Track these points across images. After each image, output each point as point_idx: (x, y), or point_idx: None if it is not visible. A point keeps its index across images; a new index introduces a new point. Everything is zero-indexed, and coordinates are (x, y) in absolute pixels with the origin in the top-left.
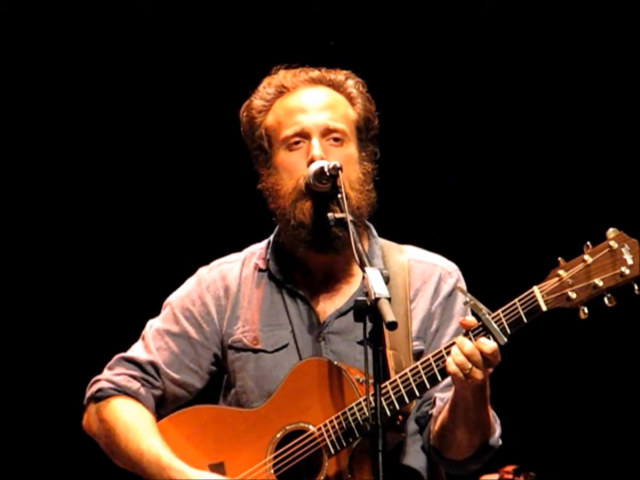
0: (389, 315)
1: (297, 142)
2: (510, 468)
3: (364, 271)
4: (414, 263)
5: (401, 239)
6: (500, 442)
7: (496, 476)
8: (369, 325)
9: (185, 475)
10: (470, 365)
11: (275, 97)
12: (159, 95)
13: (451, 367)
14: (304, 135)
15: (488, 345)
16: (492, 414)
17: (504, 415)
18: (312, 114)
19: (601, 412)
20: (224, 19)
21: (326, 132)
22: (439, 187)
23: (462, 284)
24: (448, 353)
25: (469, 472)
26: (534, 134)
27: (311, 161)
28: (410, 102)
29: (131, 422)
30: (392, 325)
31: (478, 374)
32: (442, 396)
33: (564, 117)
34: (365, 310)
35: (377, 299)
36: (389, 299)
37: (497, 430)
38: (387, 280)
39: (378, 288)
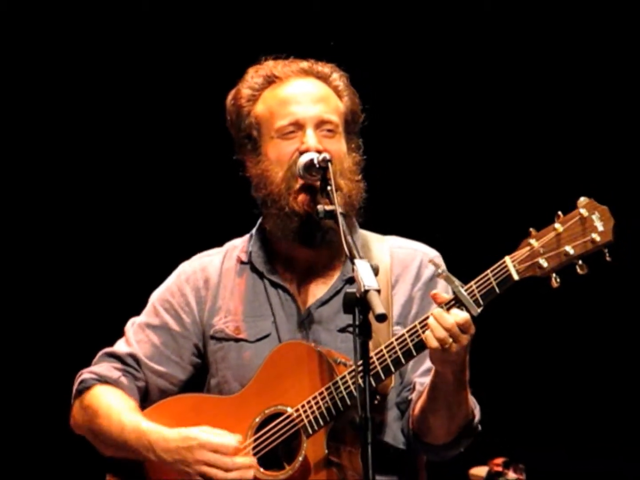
0: (379, 308)
1: (291, 132)
2: (499, 460)
3: (353, 263)
4: (395, 249)
5: (381, 227)
6: (479, 427)
7: (485, 468)
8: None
9: (162, 434)
10: (451, 340)
11: (264, 87)
12: (140, 95)
13: (432, 342)
14: (298, 125)
15: (460, 315)
16: (471, 399)
17: (493, 406)
18: (306, 105)
19: (591, 399)
20: (213, 15)
21: (320, 124)
22: (410, 160)
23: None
24: (423, 327)
25: (448, 458)
26: (506, 105)
27: (306, 150)
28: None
29: (113, 402)
30: (382, 318)
31: (455, 348)
32: (422, 381)
33: (533, 91)
34: (355, 302)
35: (366, 291)
36: (379, 291)
37: (477, 416)
38: (376, 272)
39: (367, 280)
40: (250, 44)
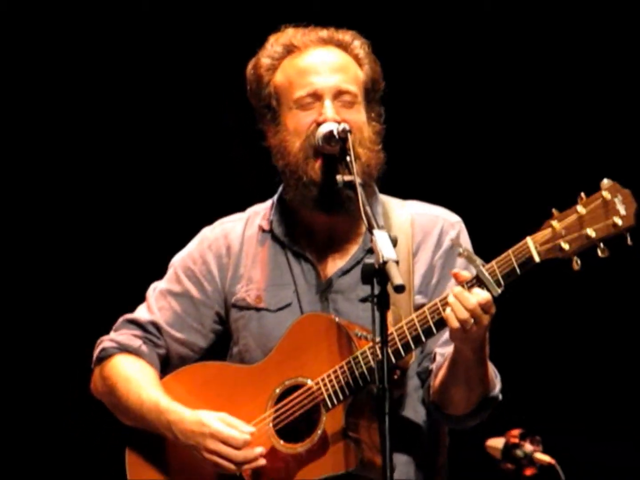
0: (397, 279)
1: (309, 103)
2: (516, 432)
3: (372, 234)
4: (416, 216)
5: (401, 195)
6: (500, 397)
7: (502, 440)
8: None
9: (180, 415)
10: (472, 321)
11: (283, 56)
12: (142, 86)
13: (454, 322)
14: (317, 96)
15: (481, 295)
16: (492, 369)
17: (511, 379)
18: (325, 75)
19: (606, 372)
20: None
21: (338, 94)
22: (434, 140)
23: (465, 236)
24: (444, 305)
25: (468, 427)
26: (530, 86)
27: (323, 122)
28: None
29: (132, 375)
30: (400, 289)
31: (478, 328)
32: (442, 351)
33: (558, 73)
34: (373, 273)
35: (385, 262)
36: (397, 262)
37: (497, 386)
38: (394, 243)
39: (386, 251)
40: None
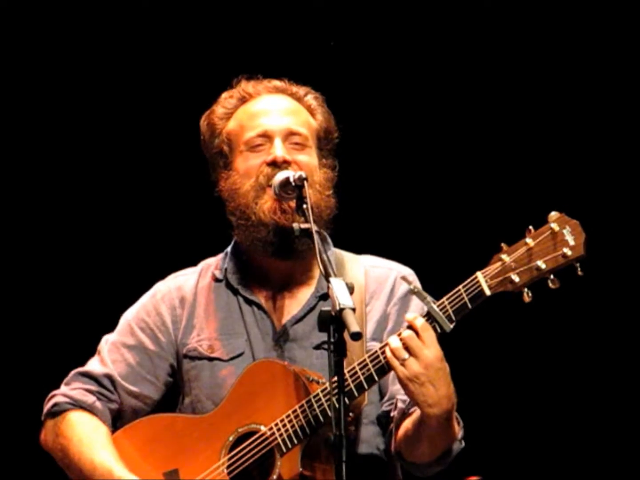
0: (354, 326)
1: (259, 145)
2: (474, 479)
3: (328, 282)
4: (369, 268)
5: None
6: (463, 444)
7: None
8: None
9: None
10: (405, 355)
11: (237, 106)
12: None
13: (387, 353)
14: (267, 136)
15: (418, 318)
16: (455, 416)
17: (470, 426)
18: (275, 117)
19: (565, 410)
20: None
21: (289, 135)
22: (382, 175)
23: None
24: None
25: (430, 474)
26: (474, 121)
27: (273, 161)
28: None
29: (85, 435)
30: (357, 336)
31: (414, 364)
32: (404, 398)
33: (503, 102)
34: (330, 320)
35: (341, 310)
36: (354, 310)
37: (460, 433)
38: (351, 290)
39: (342, 299)
40: (244, 55)
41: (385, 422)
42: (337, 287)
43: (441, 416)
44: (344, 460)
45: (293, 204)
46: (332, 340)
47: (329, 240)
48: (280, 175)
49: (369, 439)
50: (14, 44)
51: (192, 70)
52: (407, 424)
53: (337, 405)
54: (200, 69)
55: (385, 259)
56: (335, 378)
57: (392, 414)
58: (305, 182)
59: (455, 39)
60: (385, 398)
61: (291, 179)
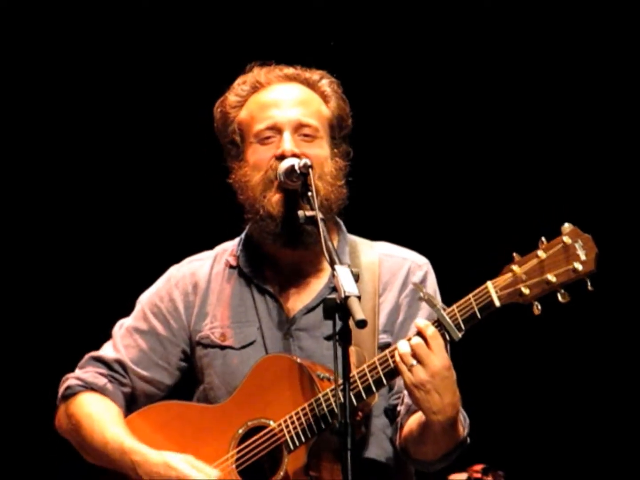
0: (359, 314)
1: (268, 137)
2: (478, 467)
3: (333, 269)
4: (383, 257)
5: (371, 237)
6: (468, 440)
7: (464, 475)
8: (338, 323)
9: (145, 456)
10: (413, 362)
11: (249, 93)
12: (132, 97)
13: (395, 357)
14: (276, 129)
15: (428, 325)
16: (460, 416)
17: (474, 413)
18: (285, 108)
19: (567, 408)
20: (210, 18)
21: (298, 127)
22: (400, 183)
23: (432, 278)
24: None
25: (436, 470)
26: (489, 129)
27: (282, 155)
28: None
29: (96, 414)
30: (362, 324)
31: (420, 372)
32: None
33: (518, 112)
34: (335, 308)
35: (346, 298)
36: (359, 297)
37: (466, 430)
38: (356, 278)
39: (348, 286)
40: (252, 46)
41: (392, 414)
42: (343, 274)
43: (445, 423)
44: (349, 448)
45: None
46: (337, 328)
47: (343, 227)
48: (286, 163)
49: (381, 430)
50: (14, 44)
51: (200, 60)
52: (412, 424)
53: (343, 395)
54: (207, 57)
55: (400, 247)
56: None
57: (398, 408)
58: (310, 170)
59: (473, 30)
60: (393, 391)
61: (296, 167)
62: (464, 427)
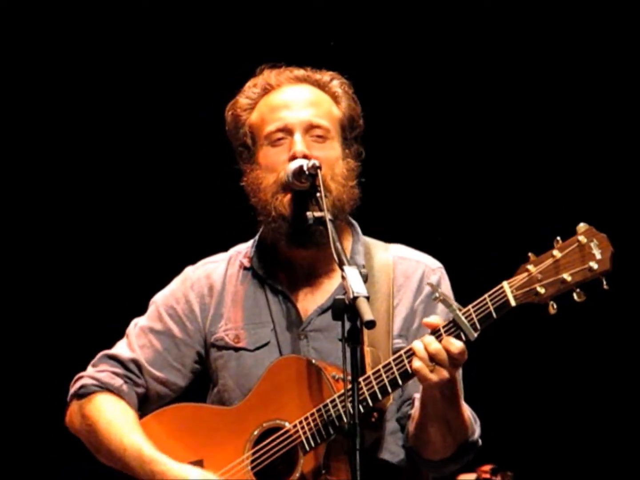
0: (367, 314)
1: (279, 139)
2: (487, 467)
3: (342, 270)
4: (397, 260)
5: (386, 239)
6: (480, 442)
7: (473, 475)
8: (349, 323)
9: (165, 467)
10: (432, 364)
11: (260, 96)
12: (142, 97)
13: (415, 363)
14: (287, 131)
15: (455, 345)
16: (468, 413)
17: (482, 414)
18: (296, 110)
19: (576, 408)
20: (217, 19)
21: (309, 128)
22: (413, 183)
23: (446, 282)
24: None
25: (448, 474)
26: (505, 129)
27: (293, 157)
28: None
29: (113, 418)
30: (370, 325)
31: (443, 372)
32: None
33: (533, 111)
34: (344, 309)
35: (355, 298)
36: (367, 298)
37: (477, 431)
38: (365, 279)
39: (356, 287)
40: (260, 49)
41: (404, 423)
42: (351, 275)
43: (444, 388)
44: (358, 448)
45: None
46: (346, 329)
47: (358, 228)
48: (294, 164)
49: (393, 434)
50: (15, 44)
51: (206, 62)
52: (417, 411)
53: (352, 396)
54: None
55: (414, 250)
56: (361, 379)
57: (409, 412)
58: (318, 171)
59: (476, 27)
60: (403, 398)
61: (304, 168)
62: (473, 425)
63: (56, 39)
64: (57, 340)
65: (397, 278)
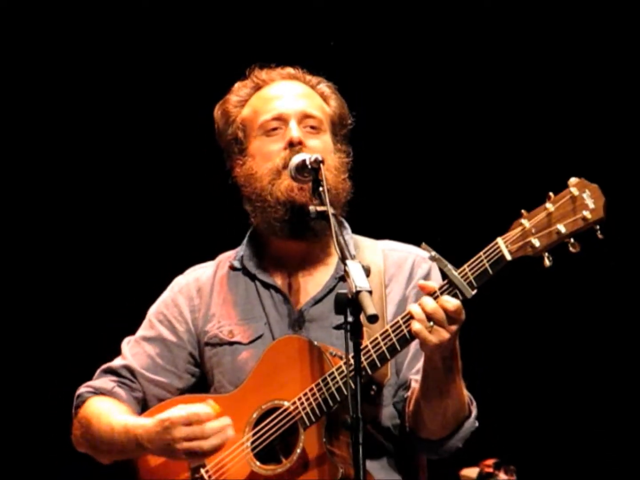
0: (370, 309)
1: (274, 128)
2: (490, 461)
3: (345, 264)
4: (388, 252)
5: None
6: (476, 423)
7: (476, 469)
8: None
9: (144, 426)
10: (431, 324)
11: (251, 93)
12: (142, 97)
13: (414, 325)
14: (282, 119)
15: (452, 302)
16: (466, 393)
17: (485, 408)
18: (290, 100)
19: (579, 403)
20: (211, 20)
21: (303, 118)
22: (397, 147)
23: (437, 272)
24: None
25: (445, 456)
26: (494, 90)
27: (290, 142)
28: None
29: (104, 409)
30: (373, 319)
31: (442, 333)
32: (417, 378)
33: (519, 76)
34: (347, 303)
35: (358, 292)
36: (370, 292)
37: (473, 411)
38: (367, 273)
39: (359, 281)
40: (252, 49)
41: (400, 407)
42: (354, 269)
43: (445, 351)
44: (361, 442)
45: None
46: (348, 322)
47: (347, 225)
48: (297, 158)
49: (389, 419)
50: (15, 44)
51: (200, 64)
52: (417, 388)
53: (354, 387)
54: (207, 60)
55: (403, 243)
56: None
57: (405, 395)
58: (321, 165)
59: (473, 25)
60: (399, 382)
61: (307, 162)
62: (470, 406)
63: (56, 39)
64: (57, 340)
65: (388, 268)
